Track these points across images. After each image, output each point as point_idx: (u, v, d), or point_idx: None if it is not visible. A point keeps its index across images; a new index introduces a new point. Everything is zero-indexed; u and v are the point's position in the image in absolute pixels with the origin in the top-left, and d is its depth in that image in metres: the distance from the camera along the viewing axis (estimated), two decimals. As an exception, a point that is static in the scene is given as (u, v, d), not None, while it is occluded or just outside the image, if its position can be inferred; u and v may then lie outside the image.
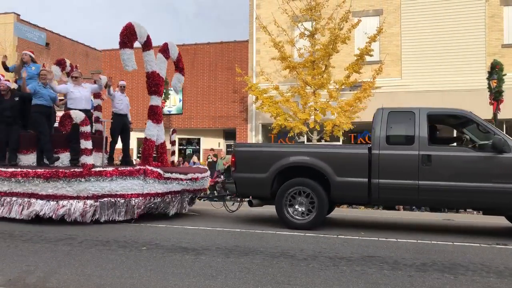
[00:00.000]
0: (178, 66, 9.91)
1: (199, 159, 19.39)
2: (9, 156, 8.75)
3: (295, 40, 17.36)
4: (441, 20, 17.51)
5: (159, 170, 7.65)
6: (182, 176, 8.16)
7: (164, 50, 9.05)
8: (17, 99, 8.77)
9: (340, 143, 17.16)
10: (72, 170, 7.31)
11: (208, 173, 9.74)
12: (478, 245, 6.05)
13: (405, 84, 17.59)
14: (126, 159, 10.04)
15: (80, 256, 4.97)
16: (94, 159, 8.35)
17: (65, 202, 7.24)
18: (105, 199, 7.30)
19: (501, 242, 6.26)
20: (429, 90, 17.08)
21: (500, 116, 15.17)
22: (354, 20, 16.70)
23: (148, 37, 8.34)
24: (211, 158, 17.98)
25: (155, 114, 8.46)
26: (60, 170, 7.36)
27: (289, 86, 17.17)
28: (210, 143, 20.60)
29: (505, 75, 14.84)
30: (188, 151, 21.47)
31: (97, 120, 10.31)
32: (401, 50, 17.96)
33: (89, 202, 7.22)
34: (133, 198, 7.38)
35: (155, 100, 8.52)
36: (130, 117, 10.66)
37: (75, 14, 77.86)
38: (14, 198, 7.57)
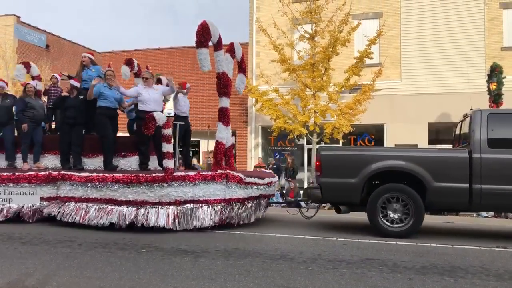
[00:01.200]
0: (241, 67, 9.60)
1: (198, 161, 19.38)
2: (73, 160, 8.44)
3: (295, 43, 17.38)
4: (440, 23, 17.53)
5: (240, 174, 7.31)
6: (260, 181, 7.80)
7: (231, 50, 8.68)
8: (81, 97, 8.57)
9: (340, 145, 17.16)
10: (154, 174, 6.95)
11: (276, 178, 9.42)
12: (478, 248, 6.05)
13: (405, 87, 17.59)
14: (187, 162, 9.65)
15: (79, 259, 4.97)
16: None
17: (145, 208, 6.88)
18: (188, 205, 6.91)
19: (500, 245, 6.26)
20: (428, 93, 17.09)
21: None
22: (354, 23, 16.72)
23: (219, 36, 7.99)
24: (210, 160, 17.96)
25: (225, 116, 8.08)
26: (141, 175, 6.99)
27: (289, 88, 17.17)
28: (210, 146, 20.57)
29: (504, 78, 14.85)
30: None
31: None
32: (400, 53, 17.97)
33: (171, 208, 6.86)
34: (216, 204, 6.99)
35: (225, 102, 8.11)
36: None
37: (76, 16, 78.00)
38: (89, 204, 7.15)
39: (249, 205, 7.52)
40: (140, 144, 8.19)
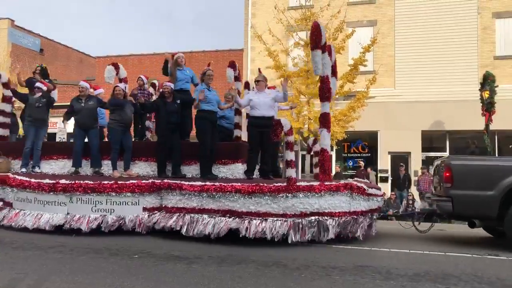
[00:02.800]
0: (334, 70, 9.20)
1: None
2: (173, 167, 7.88)
3: (290, 50, 17.44)
4: (434, 32, 17.68)
5: (363, 185, 6.92)
6: (378, 192, 7.43)
7: (330, 53, 8.16)
8: (178, 101, 8.09)
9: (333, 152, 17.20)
10: (277, 184, 6.49)
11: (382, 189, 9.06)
12: (470, 255, 6.06)
13: (399, 94, 17.70)
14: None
15: (71, 264, 4.93)
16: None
17: (268, 220, 6.38)
18: (313, 217, 6.42)
19: (492, 253, 6.27)
20: (422, 101, 17.21)
21: (492, 127, 15.29)
22: (348, 31, 16.81)
23: (325, 37, 7.63)
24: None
25: (328, 122, 7.47)
26: (264, 184, 6.51)
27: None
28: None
29: (497, 86, 14.99)
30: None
31: (237, 125, 9.36)
32: (394, 61, 18.10)
33: (297, 220, 6.38)
34: (340, 217, 6.53)
35: (327, 107, 7.59)
36: None
37: (71, 21, 77.89)
38: (205, 216, 6.66)
39: (369, 218, 7.07)
40: (250, 150, 7.74)
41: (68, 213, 7.01)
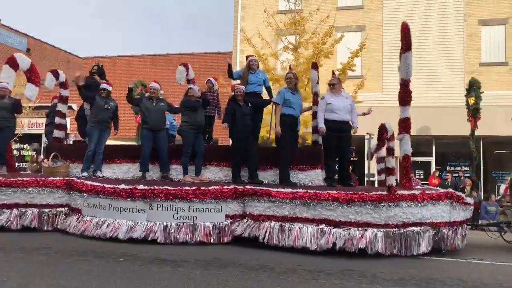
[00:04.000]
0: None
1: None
2: (250, 173, 7.60)
3: (279, 53, 17.49)
4: (421, 38, 17.87)
5: (462, 194, 6.65)
6: (470, 201, 7.04)
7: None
8: (249, 105, 7.95)
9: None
10: (379, 193, 6.13)
11: None
12: (455, 260, 6.11)
13: (386, 99, 17.82)
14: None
15: (55, 267, 4.87)
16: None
17: (369, 230, 6.01)
18: (414, 228, 6.09)
19: (477, 257, 6.33)
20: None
21: (477, 132, 15.51)
22: (337, 35, 16.93)
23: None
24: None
25: (408, 127, 7.23)
26: (364, 193, 6.15)
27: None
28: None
29: (482, 93, 15.22)
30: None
31: (315, 129, 8.72)
32: (382, 66, 18.26)
33: (397, 231, 6.04)
34: (441, 227, 6.26)
35: (408, 111, 7.33)
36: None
37: (59, 21, 77.20)
38: (297, 224, 6.24)
39: (464, 228, 6.75)
40: (327, 156, 7.54)
41: (147, 221, 6.59)
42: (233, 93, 7.99)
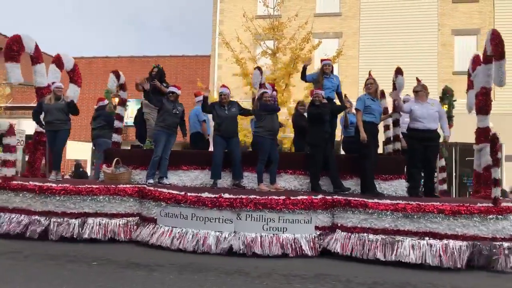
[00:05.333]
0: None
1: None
2: (334, 182, 7.25)
3: (257, 58, 17.55)
4: (396, 46, 18.23)
5: None
6: None
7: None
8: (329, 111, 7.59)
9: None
10: (486, 205, 5.92)
11: None
12: (428, 264, 6.21)
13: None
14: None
15: (24, 271, 4.75)
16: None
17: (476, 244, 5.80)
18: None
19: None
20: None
21: (450, 139, 15.83)
22: (315, 41, 17.10)
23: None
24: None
25: (488, 136, 6.97)
26: (471, 205, 5.92)
27: (250, 102, 17.27)
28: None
29: (455, 100, 15.55)
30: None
31: (397, 137, 8.46)
32: (358, 72, 18.52)
33: (506, 244, 5.79)
34: None
35: (488, 120, 7.10)
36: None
37: (34, 20, 75.66)
38: (400, 238, 5.93)
39: None
40: (411, 166, 7.29)
41: (234, 232, 6.25)
42: (311, 98, 7.66)
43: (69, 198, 6.67)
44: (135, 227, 6.78)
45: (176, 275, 4.83)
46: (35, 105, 22.51)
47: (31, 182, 6.87)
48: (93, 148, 10.53)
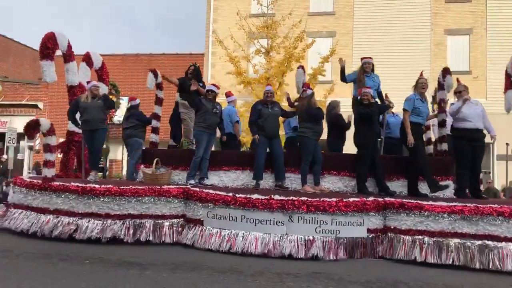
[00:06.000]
0: None
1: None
2: (380, 183, 7.20)
3: (251, 56, 17.54)
4: (390, 45, 18.30)
5: None
6: None
7: None
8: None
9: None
10: None
11: None
12: (420, 263, 6.24)
13: (355, 105, 18.14)
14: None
15: (17, 270, 4.72)
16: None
17: None
18: None
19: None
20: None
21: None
22: (308, 40, 17.12)
23: None
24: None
25: None
26: None
27: (243, 101, 17.26)
28: (161, 155, 20.25)
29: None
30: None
31: (442, 139, 8.18)
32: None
33: None
34: None
35: None
36: None
37: (27, 18, 75.10)
38: (456, 240, 5.82)
39: None
40: (460, 167, 7.15)
41: (286, 234, 6.12)
42: (359, 97, 7.51)
43: (113, 199, 6.50)
44: (180, 229, 6.67)
45: (169, 274, 4.82)
46: (27, 102, 22.28)
47: (73, 183, 6.69)
48: (124, 147, 10.35)
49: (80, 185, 6.62)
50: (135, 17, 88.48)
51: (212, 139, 7.83)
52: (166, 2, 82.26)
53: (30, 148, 21.78)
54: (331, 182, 7.63)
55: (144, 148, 9.02)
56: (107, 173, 19.01)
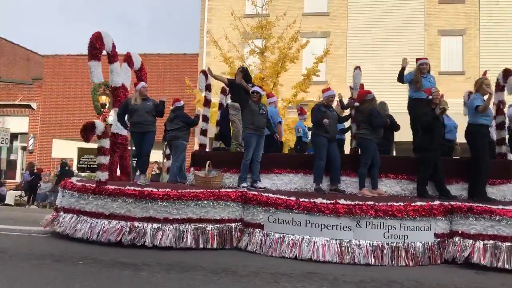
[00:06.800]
0: None
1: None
2: (440, 186, 7.04)
3: (245, 57, 17.54)
4: (385, 45, 18.34)
5: None
6: None
7: None
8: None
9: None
10: None
11: None
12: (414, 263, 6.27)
13: (350, 105, 18.18)
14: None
15: (9, 271, 4.68)
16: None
17: None
18: None
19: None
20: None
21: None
22: (302, 41, 17.14)
23: None
24: (154, 171, 17.64)
25: None
26: None
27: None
28: (154, 156, 20.16)
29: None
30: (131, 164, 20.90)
31: (502, 141, 7.92)
32: (346, 72, 18.59)
33: None
34: None
35: None
36: None
37: (20, 18, 74.62)
38: None
39: None
40: None
41: (354, 239, 5.95)
42: (429, 97, 7.30)
43: (172, 203, 6.35)
44: (238, 233, 6.54)
45: (163, 274, 4.81)
46: (20, 103, 22.08)
47: (128, 187, 6.54)
48: (166, 150, 10.19)
49: (137, 189, 6.48)
50: (128, 17, 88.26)
51: (261, 141, 7.73)
52: (160, 2, 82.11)
53: (24, 148, 21.65)
54: (388, 186, 7.48)
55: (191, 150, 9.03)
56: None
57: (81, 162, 21.19)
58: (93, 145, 13.87)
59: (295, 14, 18.09)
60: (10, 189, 18.50)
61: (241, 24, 17.52)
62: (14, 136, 21.22)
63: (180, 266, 5.27)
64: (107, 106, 18.60)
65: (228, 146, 9.08)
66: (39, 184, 17.08)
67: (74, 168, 20.19)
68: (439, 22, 18.67)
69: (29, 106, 21.21)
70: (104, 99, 18.32)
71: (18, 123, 21.04)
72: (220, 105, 9.55)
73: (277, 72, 16.38)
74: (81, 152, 21.20)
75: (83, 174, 20.34)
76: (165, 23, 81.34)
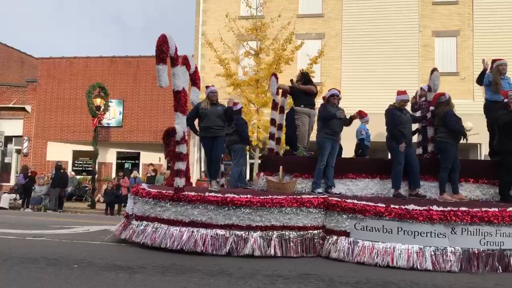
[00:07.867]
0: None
1: (139, 173, 18.91)
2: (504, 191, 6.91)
3: (240, 58, 17.55)
4: (378, 47, 18.40)
5: None
6: None
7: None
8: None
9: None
10: None
11: None
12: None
13: (345, 106, 18.06)
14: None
15: (3, 275, 4.65)
16: None
17: None
18: None
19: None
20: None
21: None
22: (297, 42, 17.17)
23: None
24: (150, 173, 17.61)
25: None
26: None
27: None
28: (150, 158, 20.16)
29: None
30: (127, 166, 20.88)
31: None
32: (341, 73, 18.64)
33: None
34: None
35: None
36: None
37: (13, 20, 74.27)
38: None
39: None
40: None
41: (450, 247, 5.79)
42: (505, 100, 7.08)
43: (255, 210, 6.23)
44: (320, 241, 6.41)
45: (159, 277, 4.79)
46: (14, 105, 22.03)
47: (208, 194, 6.44)
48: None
49: (218, 195, 6.38)
50: (123, 19, 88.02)
51: (336, 146, 7.63)
52: (154, 4, 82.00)
53: (18, 151, 21.54)
54: (468, 190, 7.33)
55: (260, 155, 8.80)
56: (96, 176, 18.83)
57: (76, 165, 21.10)
58: (87, 148, 13.82)
59: (290, 16, 18.14)
60: (5, 193, 18.43)
61: (236, 26, 17.54)
62: (8, 139, 21.11)
63: (176, 268, 5.26)
64: (101, 109, 18.56)
65: (294, 151, 8.82)
66: (33, 187, 17.02)
67: (69, 170, 20.11)
68: (433, 23, 18.75)
69: (23, 109, 21.11)
70: (99, 101, 18.27)
71: (13, 126, 20.93)
72: (281, 108, 9.39)
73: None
74: (76, 154, 21.12)
75: (78, 177, 20.31)
76: (160, 25, 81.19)
